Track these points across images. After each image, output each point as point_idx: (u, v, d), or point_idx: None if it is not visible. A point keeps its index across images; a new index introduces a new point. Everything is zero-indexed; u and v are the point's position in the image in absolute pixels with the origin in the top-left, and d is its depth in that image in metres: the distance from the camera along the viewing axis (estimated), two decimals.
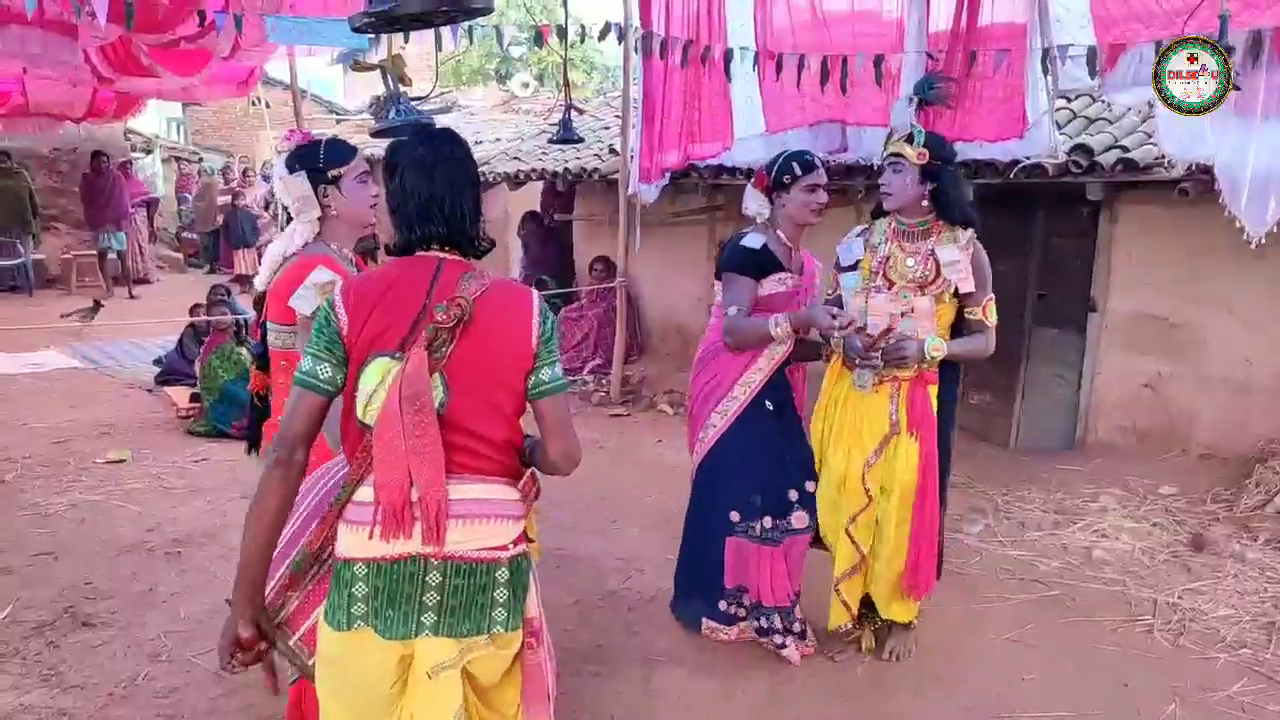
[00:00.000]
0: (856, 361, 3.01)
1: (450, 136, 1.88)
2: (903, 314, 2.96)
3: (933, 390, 3.03)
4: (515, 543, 1.79)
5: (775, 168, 3.12)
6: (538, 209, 9.27)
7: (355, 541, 1.73)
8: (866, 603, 3.23)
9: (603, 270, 7.85)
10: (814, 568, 3.50)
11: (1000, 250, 5.52)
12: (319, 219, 2.41)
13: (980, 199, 5.26)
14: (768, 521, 3.16)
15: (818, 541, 3.29)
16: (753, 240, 3.15)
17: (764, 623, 3.23)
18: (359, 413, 1.72)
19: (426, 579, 1.71)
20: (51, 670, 3.14)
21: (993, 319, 3.02)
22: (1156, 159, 4.45)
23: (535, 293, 1.86)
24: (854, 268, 3.12)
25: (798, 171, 3.07)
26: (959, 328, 3.07)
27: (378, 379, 1.70)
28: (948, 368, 3.08)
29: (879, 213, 3.13)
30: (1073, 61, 4.31)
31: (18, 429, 6.07)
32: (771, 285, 3.12)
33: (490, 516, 1.76)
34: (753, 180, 3.21)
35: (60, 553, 4.12)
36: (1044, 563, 4.04)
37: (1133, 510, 4.55)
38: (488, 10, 2.86)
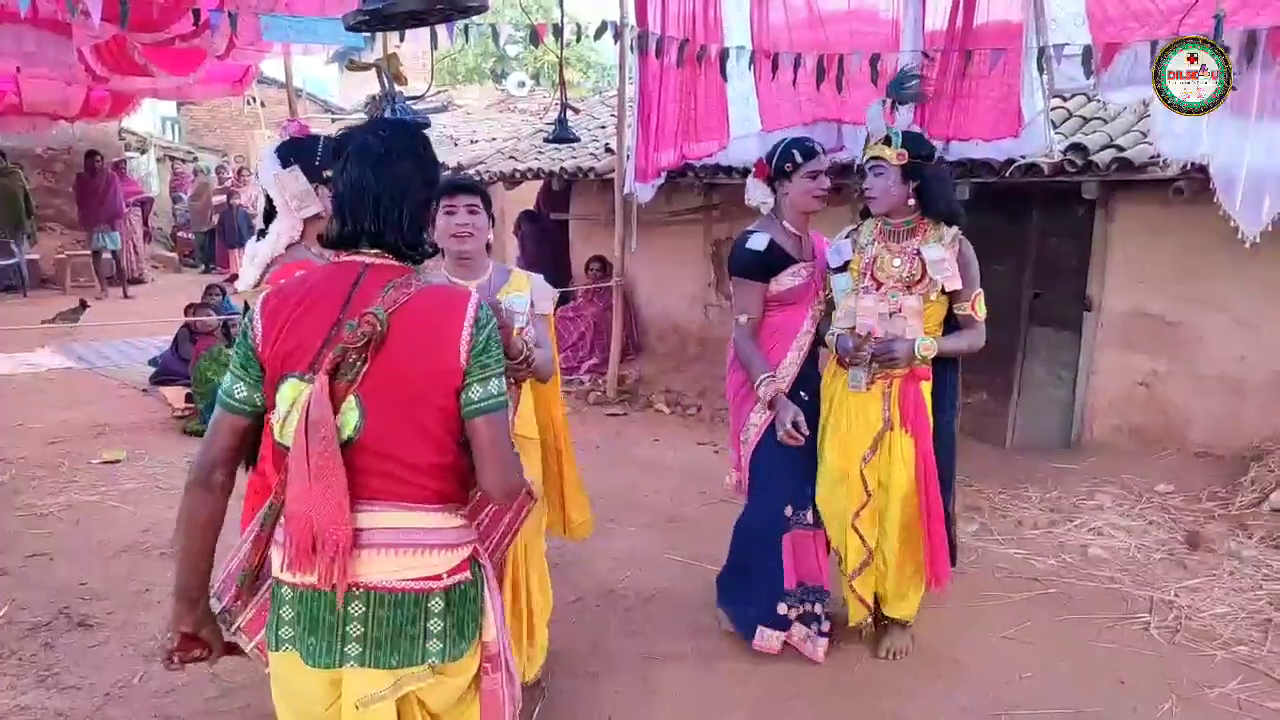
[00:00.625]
0: (847, 361, 3.05)
1: (408, 131, 1.76)
2: (891, 314, 2.99)
3: (925, 387, 3.06)
4: (454, 571, 1.67)
5: (776, 156, 3.10)
6: (533, 208, 9.27)
7: (280, 563, 1.67)
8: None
9: (599, 270, 7.86)
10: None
11: (996, 249, 5.57)
12: (304, 228, 2.30)
13: (976, 198, 5.28)
14: (813, 509, 3.20)
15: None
16: (757, 241, 3.11)
17: (816, 608, 3.21)
18: (276, 434, 1.64)
19: (349, 609, 1.62)
20: (47, 671, 3.14)
21: (982, 313, 3.05)
22: (1151, 158, 4.46)
23: (475, 299, 1.68)
24: (844, 269, 3.14)
25: (799, 159, 3.05)
26: (952, 322, 3.09)
27: (289, 401, 1.61)
28: (944, 363, 3.10)
29: (867, 213, 3.15)
30: (1068, 60, 4.31)
31: (13, 429, 6.05)
32: (786, 280, 3.11)
33: (416, 547, 1.64)
34: (753, 170, 3.19)
35: (56, 553, 4.11)
36: (1041, 561, 4.05)
37: (1129, 508, 4.56)
38: (482, 8, 2.86)
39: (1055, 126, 5.06)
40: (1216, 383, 4.93)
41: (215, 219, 13.98)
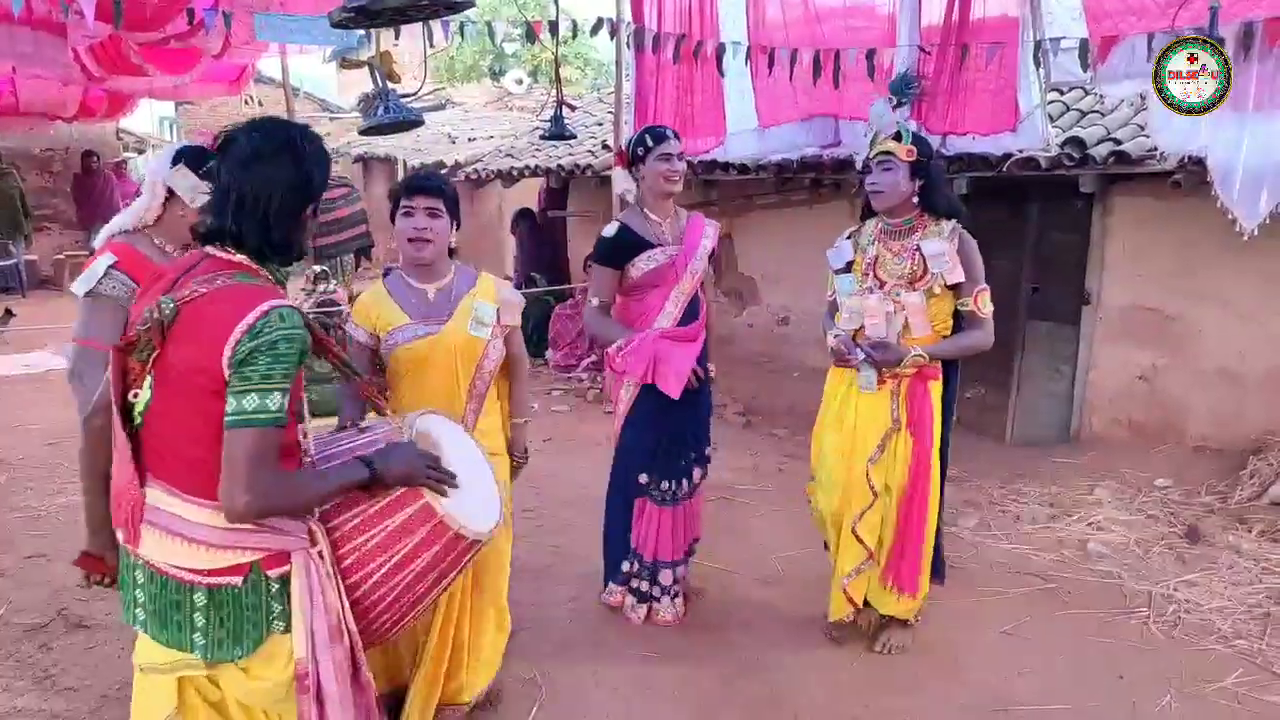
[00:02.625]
0: (842, 363, 3.08)
1: (286, 132, 1.73)
2: (894, 311, 2.99)
3: (934, 387, 3.04)
4: (217, 572, 1.67)
5: (631, 143, 3.25)
6: (531, 206, 9.26)
7: None
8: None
9: None
10: (810, 557, 3.51)
11: (994, 244, 5.52)
12: (160, 214, 2.49)
13: (974, 192, 5.27)
14: (667, 485, 3.32)
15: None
16: (609, 229, 3.28)
17: (648, 581, 3.40)
18: None
19: (135, 574, 1.74)
20: (45, 673, 3.13)
21: (986, 310, 3.01)
22: (1149, 151, 4.45)
23: (266, 307, 1.61)
24: (847, 270, 3.15)
25: (650, 143, 3.17)
26: (960, 320, 3.07)
27: None
28: (949, 365, 3.09)
29: (866, 214, 3.16)
30: (1065, 54, 4.31)
31: (11, 430, 6.04)
32: (642, 264, 3.20)
33: (179, 535, 1.66)
34: (616, 161, 3.26)
35: (53, 554, 4.10)
36: (1039, 556, 4.05)
37: (1128, 503, 4.56)
38: (469, 5, 2.85)
39: (1052, 120, 5.06)
40: (1215, 376, 4.93)
41: None
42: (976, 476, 5.00)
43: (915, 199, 3.00)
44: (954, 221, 3.02)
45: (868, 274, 3.07)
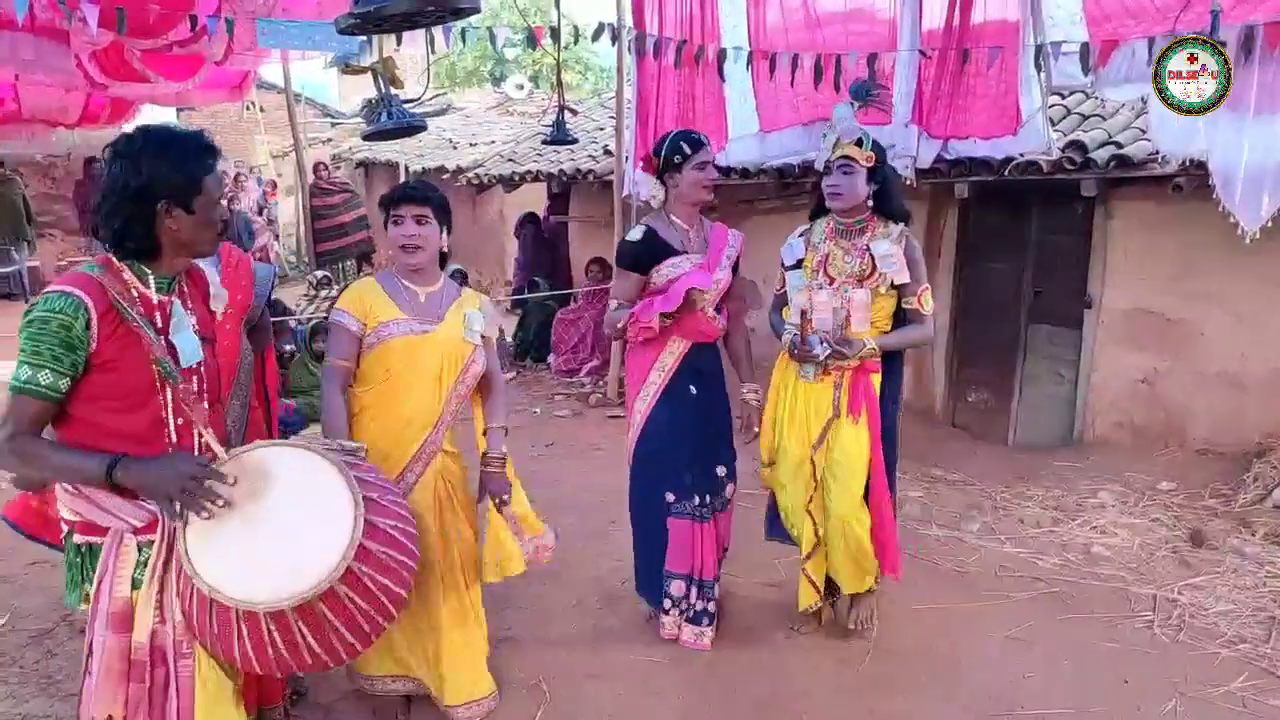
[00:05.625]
0: (796, 356, 3.14)
1: (139, 137, 1.85)
2: (839, 306, 3.11)
3: (875, 379, 3.16)
4: (66, 524, 1.91)
5: (665, 149, 3.16)
6: (537, 210, 9.28)
7: None
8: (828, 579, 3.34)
9: (599, 271, 7.86)
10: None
11: (996, 247, 5.57)
12: None
13: (975, 196, 5.27)
14: (698, 499, 3.26)
15: (785, 535, 3.43)
16: (635, 232, 3.22)
17: (694, 599, 3.28)
18: None
19: None
20: (49, 679, 3.13)
21: (928, 308, 3.16)
22: (1150, 155, 4.46)
23: (49, 289, 1.82)
24: (798, 266, 3.24)
25: (687, 150, 3.12)
26: (901, 317, 3.19)
27: None
28: (891, 357, 3.22)
29: (817, 213, 3.27)
30: (1066, 58, 4.30)
31: None
32: (666, 271, 3.15)
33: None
34: (640, 165, 3.27)
35: (56, 560, 4.06)
36: (1043, 560, 4.04)
37: (1131, 506, 4.55)
38: (474, 10, 2.85)
39: (1054, 124, 5.06)
40: (1218, 379, 4.92)
41: None
42: (979, 480, 4.99)
43: (869, 201, 3.12)
44: (902, 225, 3.15)
45: (818, 271, 3.18)
